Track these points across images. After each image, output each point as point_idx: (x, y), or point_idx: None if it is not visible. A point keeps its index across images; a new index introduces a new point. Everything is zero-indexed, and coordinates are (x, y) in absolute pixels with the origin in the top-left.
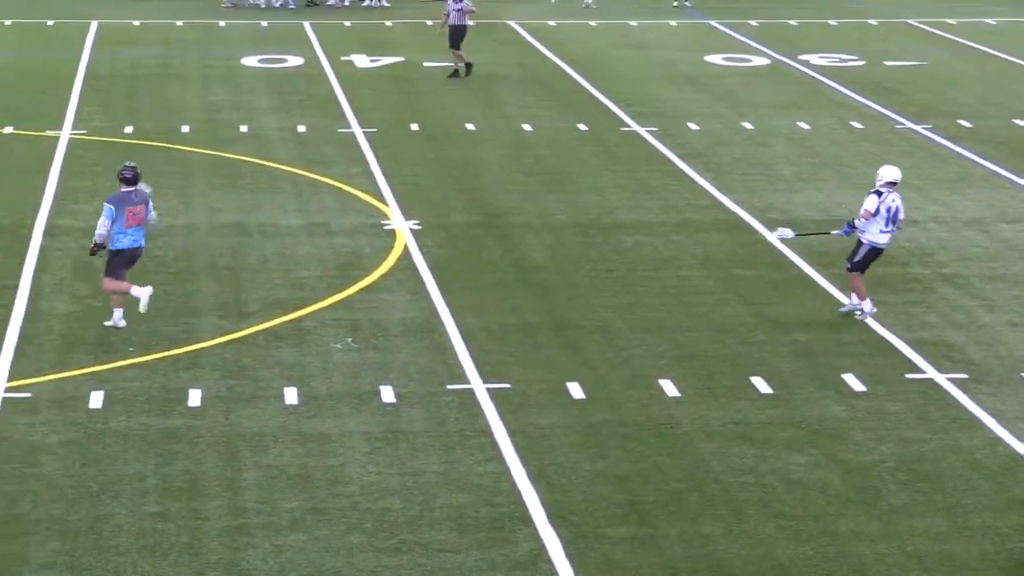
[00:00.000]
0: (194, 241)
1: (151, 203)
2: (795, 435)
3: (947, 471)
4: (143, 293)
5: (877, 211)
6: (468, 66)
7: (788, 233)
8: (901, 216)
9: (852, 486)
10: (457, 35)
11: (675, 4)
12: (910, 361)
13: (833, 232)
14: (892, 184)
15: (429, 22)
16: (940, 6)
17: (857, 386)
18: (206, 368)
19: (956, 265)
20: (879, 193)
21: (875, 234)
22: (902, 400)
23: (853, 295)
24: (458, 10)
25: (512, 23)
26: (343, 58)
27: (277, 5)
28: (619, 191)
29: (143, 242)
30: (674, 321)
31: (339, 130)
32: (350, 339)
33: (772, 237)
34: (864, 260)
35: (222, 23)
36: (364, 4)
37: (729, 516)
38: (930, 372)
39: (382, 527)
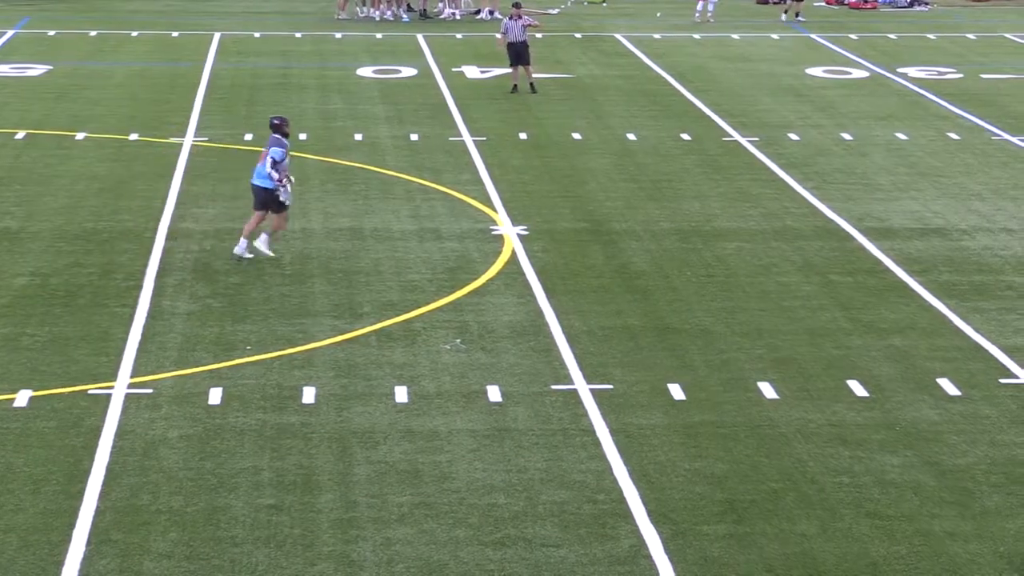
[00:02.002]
0: (310, 245)
1: (271, 151)
2: (890, 437)
3: None
4: (239, 246)
5: None
6: (531, 86)
7: None
8: None
9: (945, 488)
10: (521, 51)
11: (784, 19)
12: (1004, 366)
13: None
14: None
15: (539, 35)
16: None
17: (952, 390)
18: (320, 367)
19: None
20: None
21: None
22: (996, 404)
23: None
24: (524, 26)
25: (618, 36)
26: (455, 69)
27: (391, 19)
28: (720, 199)
29: (255, 180)
30: (773, 325)
31: (450, 139)
32: (459, 340)
33: None
34: None
35: (338, 35)
36: (478, 17)
37: (824, 515)
38: None
39: (487, 522)
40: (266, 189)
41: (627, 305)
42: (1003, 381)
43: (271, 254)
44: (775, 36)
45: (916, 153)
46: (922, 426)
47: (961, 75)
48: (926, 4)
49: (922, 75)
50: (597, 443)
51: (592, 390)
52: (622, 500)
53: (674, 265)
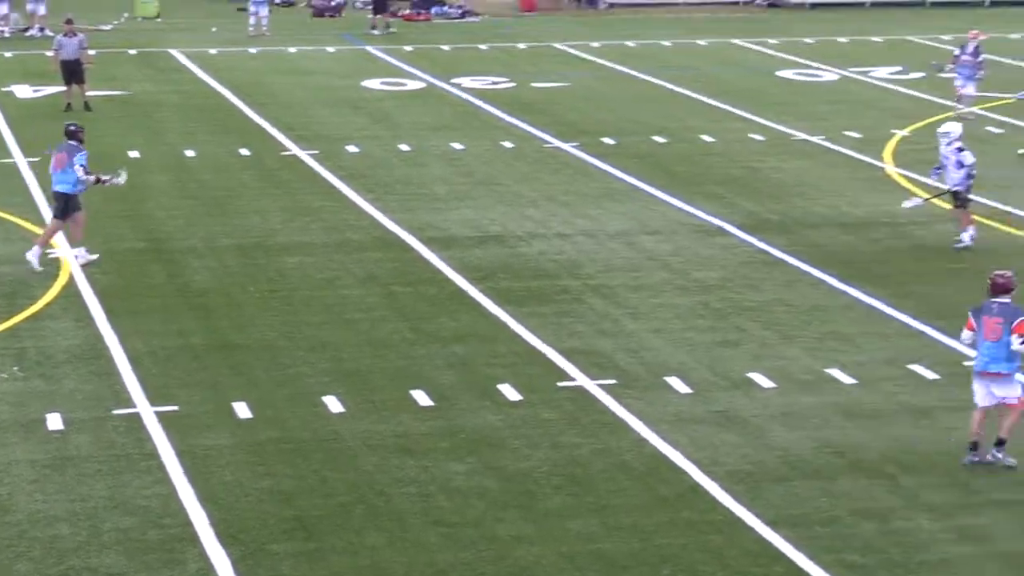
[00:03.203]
0: None
1: (78, 158)
2: (454, 444)
3: (598, 473)
4: (32, 252)
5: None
6: (85, 104)
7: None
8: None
9: (509, 492)
10: (75, 69)
11: (377, 32)
12: (561, 369)
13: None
14: None
15: (93, 51)
16: (583, 30)
17: (512, 395)
18: None
19: (603, 276)
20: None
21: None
22: (555, 407)
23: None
24: (79, 45)
25: (173, 51)
26: (4, 88)
27: None
28: (281, 213)
29: (57, 187)
30: (337, 338)
31: (1, 160)
32: (16, 368)
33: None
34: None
35: None
36: (28, 34)
37: (393, 526)
38: (581, 379)
39: (50, 554)
40: (67, 195)
41: (190, 324)
42: (561, 384)
43: (94, 256)
44: (331, 49)
45: (472, 162)
46: (485, 432)
47: (513, 84)
48: (477, 15)
49: (476, 85)
50: (162, 466)
51: (156, 412)
52: (189, 523)
53: (236, 281)
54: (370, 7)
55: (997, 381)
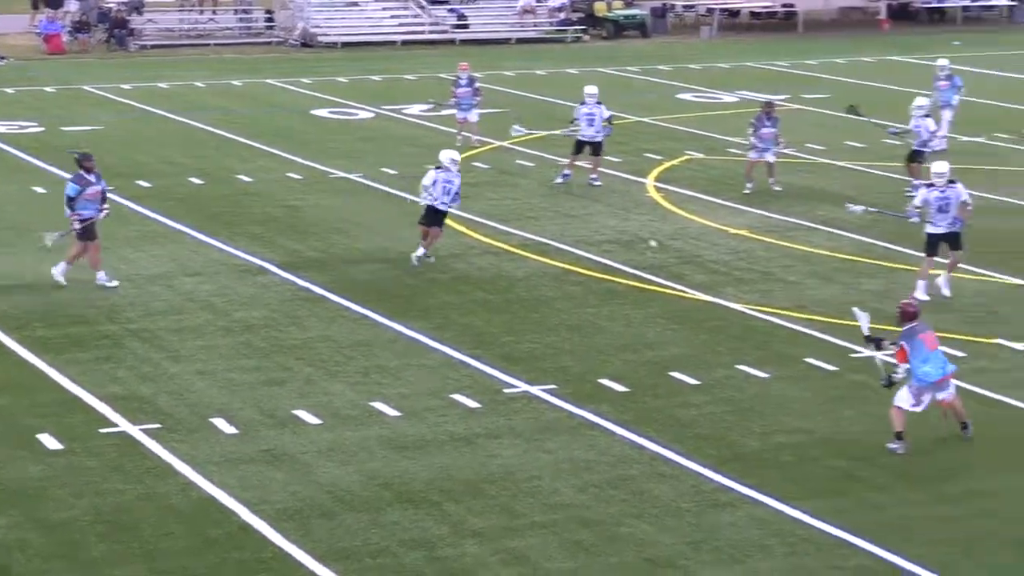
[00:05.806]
0: None
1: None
2: None
3: (144, 519)
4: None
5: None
6: None
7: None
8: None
9: (53, 543)
10: None
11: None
12: (104, 416)
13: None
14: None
15: None
16: (114, 72)
17: (53, 444)
18: None
19: (143, 320)
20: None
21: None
22: (98, 454)
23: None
24: None
25: None
26: None
27: None
28: None
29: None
30: None
31: None
32: None
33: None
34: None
35: None
36: None
37: None
38: (124, 425)
39: None
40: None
41: None
42: (103, 431)
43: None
44: None
45: (5, 207)
46: (26, 483)
47: (42, 128)
48: (2, 58)
49: (3, 129)
50: None
51: None
52: None
53: None
54: None
55: (944, 385)
